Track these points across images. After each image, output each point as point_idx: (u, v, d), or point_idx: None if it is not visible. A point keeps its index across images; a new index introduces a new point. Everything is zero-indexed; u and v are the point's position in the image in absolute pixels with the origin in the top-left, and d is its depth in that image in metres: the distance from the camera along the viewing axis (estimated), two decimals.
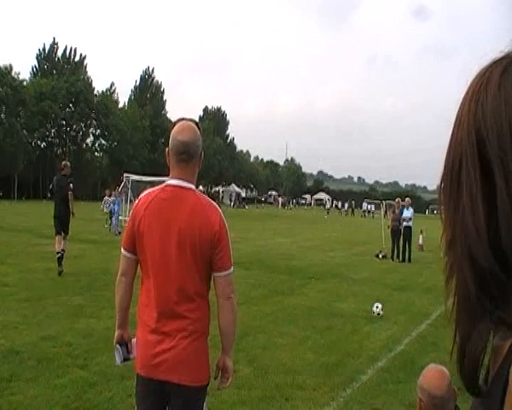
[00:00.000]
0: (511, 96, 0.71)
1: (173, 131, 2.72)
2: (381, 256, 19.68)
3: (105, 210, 26.09)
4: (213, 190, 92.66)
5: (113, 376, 5.83)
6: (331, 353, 7.22)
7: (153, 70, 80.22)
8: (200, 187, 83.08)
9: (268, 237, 26.27)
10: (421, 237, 23.80)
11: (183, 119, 2.79)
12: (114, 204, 26.19)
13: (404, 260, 19.21)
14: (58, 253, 12.18)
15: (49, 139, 62.86)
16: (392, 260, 19.29)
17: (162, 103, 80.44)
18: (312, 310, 9.86)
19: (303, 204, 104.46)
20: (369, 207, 67.05)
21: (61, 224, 12.70)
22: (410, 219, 19.50)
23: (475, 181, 0.74)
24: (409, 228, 19.33)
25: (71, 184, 12.87)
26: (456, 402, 2.82)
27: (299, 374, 6.25)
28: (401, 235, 19.44)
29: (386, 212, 26.10)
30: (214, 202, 2.79)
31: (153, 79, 79.89)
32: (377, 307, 9.58)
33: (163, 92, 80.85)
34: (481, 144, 0.74)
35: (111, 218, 25.16)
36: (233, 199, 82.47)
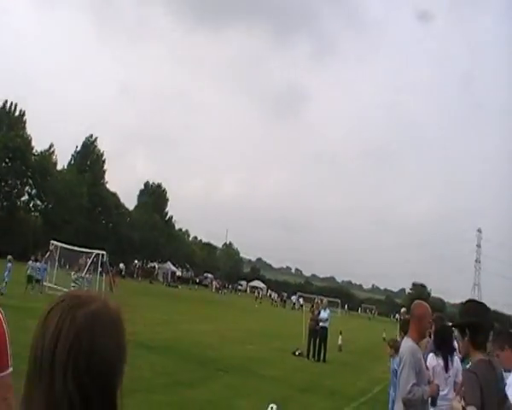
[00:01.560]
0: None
1: None
2: (297, 353, 19.85)
3: (28, 272, 25.19)
4: (149, 265, 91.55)
5: None
6: None
7: (95, 139, 79.98)
8: (136, 261, 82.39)
9: (192, 321, 26.10)
10: (340, 337, 24.14)
11: None
12: (40, 270, 25.72)
13: (319, 359, 19.42)
14: None
15: None
16: (308, 358, 19.48)
17: (102, 173, 79.87)
18: (207, 404, 9.89)
19: (239, 290, 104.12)
20: (300, 300, 67.44)
21: None
22: (327, 319, 19.90)
23: None
24: (325, 328, 19.67)
25: None
26: None
27: None
28: (318, 334, 19.75)
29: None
30: None
31: (95, 147, 79.52)
32: (272, 408, 9.65)
33: (104, 162, 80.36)
34: None
35: (29, 282, 24.44)
36: (166, 277, 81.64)
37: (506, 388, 5.04)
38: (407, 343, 5.28)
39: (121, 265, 65.31)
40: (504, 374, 5.36)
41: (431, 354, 6.79)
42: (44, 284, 26.85)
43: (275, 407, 9.71)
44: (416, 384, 4.99)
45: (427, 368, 6.09)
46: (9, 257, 24.22)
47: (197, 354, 15.95)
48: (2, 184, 61.97)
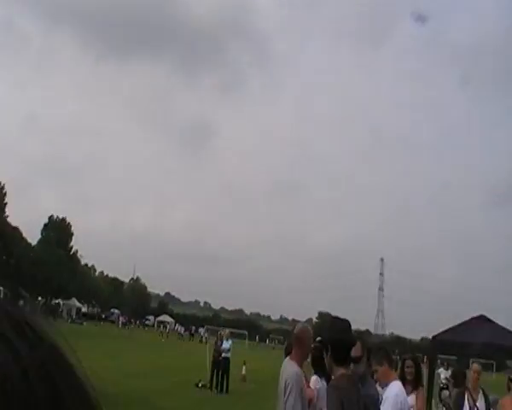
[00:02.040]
0: None
1: None
2: (200, 385, 20.08)
3: None
4: (53, 302, 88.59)
5: None
6: None
7: None
8: (39, 298, 79.50)
9: (94, 359, 25.60)
10: (244, 367, 24.57)
11: None
12: None
13: (222, 390, 19.74)
14: None
15: None
16: (211, 389, 19.75)
17: (2, 206, 77.05)
18: None
19: (146, 325, 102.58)
20: (206, 333, 67.46)
21: None
22: (229, 350, 20.29)
23: None
24: (226, 359, 20.04)
25: None
26: None
27: None
28: (220, 365, 20.10)
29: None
30: None
31: None
32: None
33: (5, 195, 77.73)
34: None
35: None
36: (71, 314, 79.32)
37: (382, 402, 5.57)
38: (292, 368, 5.23)
39: (20, 302, 63.02)
40: (381, 390, 5.92)
41: (314, 377, 6.70)
42: None
43: None
44: None
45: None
46: None
47: (98, 389, 15.84)
48: None
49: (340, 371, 4.16)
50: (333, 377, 4.46)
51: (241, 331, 72.80)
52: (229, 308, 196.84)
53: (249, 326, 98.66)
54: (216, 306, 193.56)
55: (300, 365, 5.43)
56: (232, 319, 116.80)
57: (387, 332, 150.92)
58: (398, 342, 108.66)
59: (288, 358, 5.58)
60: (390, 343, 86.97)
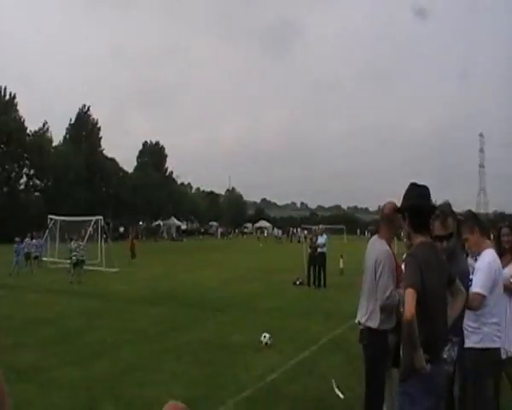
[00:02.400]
0: None
1: None
2: (298, 283, 20.17)
3: (25, 250, 25.50)
4: (153, 224, 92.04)
5: None
6: (201, 386, 7.49)
7: (88, 108, 79.51)
8: (140, 222, 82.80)
9: (193, 270, 26.44)
10: (341, 261, 24.47)
11: None
12: (36, 247, 26.06)
13: (319, 285, 19.75)
14: None
15: None
16: (309, 286, 19.81)
17: (98, 140, 79.60)
18: (203, 344, 10.13)
19: (245, 233, 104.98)
20: (305, 232, 67.87)
21: None
22: (324, 245, 20.09)
23: None
24: (322, 254, 19.90)
25: None
26: None
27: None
28: (316, 261, 20.02)
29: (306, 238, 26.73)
30: None
31: (89, 117, 79.16)
32: (264, 336, 9.92)
33: (99, 129, 80.00)
34: None
35: (27, 260, 24.76)
36: (171, 233, 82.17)
37: (474, 272, 5.11)
38: (382, 246, 5.16)
39: (121, 228, 65.82)
40: (473, 262, 5.39)
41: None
42: (44, 259, 27.23)
43: (267, 335, 9.99)
44: (394, 290, 4.96)
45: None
46: (17, 239, 24.84)
47: (195, 299, 16.28)
48: (0, 169, 61.98)
49: (418, 238, 3.87)
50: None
51: (338, 226, 72.81)
52: (326, 206, 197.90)
53: (347, 221, 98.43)
54: (313, 205, 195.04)
55: (389, 243, 5.25)
56: (329, 216, 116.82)
57: (491, 211, 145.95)
58: (504, 219, 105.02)
59: (376, 236, 5.42)
60: (494, 221, 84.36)
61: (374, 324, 5.10)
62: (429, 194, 3.99)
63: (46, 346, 9.80)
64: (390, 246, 5.23)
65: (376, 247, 5.23)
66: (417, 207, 3.89)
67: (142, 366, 8.55)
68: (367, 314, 5.18)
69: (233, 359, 9.06)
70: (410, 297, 3.45)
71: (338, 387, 7.23)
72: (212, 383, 7.64)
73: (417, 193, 3.96)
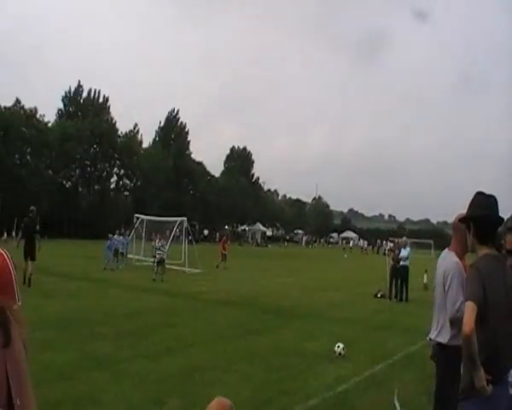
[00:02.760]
0: None
1: None
2: (379, 295, 19.78)
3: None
4: (240, 229, 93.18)
5: (50, 403, 6.18)
6: (269, 391, 7.45)
7: (177, 111, 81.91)
8: (226, 226, 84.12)
9: (274, 276, 26.51)
10: (425, 276, 23.75)
11: None
12: (123, 244, 27.00)
13: (401, 299, 19.27)
14: (25, 273, 16.28)
15: (74, 179, 64.37)
16: (390, 299, 19.37)
17: (186, 144, 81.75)
18: (277, 349, 10.09)
19: (330, 242, 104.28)
20: (389, 244, 66.64)
21: (29, 253, 16.80)
22: (407, 258, 19.58)
23: None
24: (405, 267, 19.41)
25: (37, 226, 17.70)
26: None
27: None
28: (399, 274, 19.56)
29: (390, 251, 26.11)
30: (1, 248, 3.11)
31: (177, 120, 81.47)
32: (338, 346, 9.76)
33: (187, 133, 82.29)
34: None
35: (114, 256, 25.68)
36: (255, 238, 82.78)
37: None
38: (452, 258, 4.93)
39: (205, 231, 67.04)
40: None
41: None
42: (130, 256, 28.12)
43: (341, 345, 9.82)
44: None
45: None
46: (110, 235, 25.97)
47: (274, 304, 16.27)
48: (92, 169, 64.91)
49: (483, 250, 3.67)
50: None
51: (426, 241, 70.95)
52: (415, 219, 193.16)
53: (436, 235, 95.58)
54: (401, 218, 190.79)
55: (460, 255, 4.95)
56: (418, 230, 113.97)
57: None
58: None
59: (446, 249, 5.16)
60: None
61: (444, 339, 4.89)
62: (497, 204, 3.77)
63: (122, 338, 10.08)
64: (461, 258, 4.96)
65: (446, 259, 5.02)
66: (483, 217, 3.71)
67: (212, 365, 8.62)
68: (437, 329, 4.97)
69: (305, 366, 8.96)
70: (469, 311, 3.27)
71: (398, 400, 7.01)
72: (281, 389, 7.58)
73: (484, 203, 3.77)
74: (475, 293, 3.38)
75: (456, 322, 4.77)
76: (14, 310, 3.03)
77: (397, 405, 6.95)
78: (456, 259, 4.91)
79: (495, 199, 3.77)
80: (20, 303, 3.11)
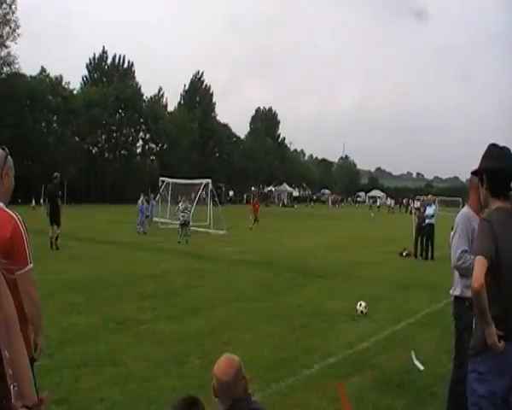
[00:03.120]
0: None
1: None
2: (404, 254, 19.64)
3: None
4: (266, 190, 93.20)
5: (71, 364, 6.38)
6: (290, 349, 7.48)
7: (202, 74, 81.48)
8: (252, 188, 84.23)
9: (300, 236, 26.53)
10: (451, 233, 23.46)
11: None
12: (148, 207, 27.25)
13: (426, 257, 19.13)
14: (51, 238, 17.53)
15: (100, 145, 64.85)
16: (416, 257, 19.25)
17: (211, 106, 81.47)
18: (299, 308, 10.12)
19: (357, 202, 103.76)
20: (417, 203, 65.98)
21: (54, 219, 17.73)
22: (433, 215, 19.35)
23: None
24: (431, 225, 19.20)
25: (60, 192, 18.75)
26: (247, 390, 3.11)
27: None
28: (424, 232, 19.37)
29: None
30: (14, 213, 3.15)
31: (202, 83, 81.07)
32: (360, 305, 9.73)
33: (212, 95, 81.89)
34: None
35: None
36: (282, 199, 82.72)
37: None
38: (463, 210, 4.92)
39: (230, 192, 67.19)
40: None
41: None
42: (155, 219, 28.36)
43: (363, 304, 9.79)
44: (467, 252, 4.61)
45: None
46: (141, 198, 26.20)
47: (298, 264, 16.30)
48: (118, 134, 65.26)
49: (496, 203, 3.56)
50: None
51: (455, 199, 70.07)
52: (444, 177, 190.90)
53: (465, 193, 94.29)
54: (429, 176, 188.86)
55: (477, 211, 4.82)
56: (446, 188, 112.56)
57: None
58: None
59: (465, 205, 5.08)
60: None
61: (457, 291, 4.85)
62: (510, 156, 3.63)
63: (146, 300, 10.21)
64: (478, 214, 4.79)
65: (459, 213, 5.00)
66: (494, 169, 3.57)
67: (234, 325, 8.68)
68: (454, 283, 4.93)
69: (326, 325, 8.97)
70: (479, 265, 3.17)
71: (418, 359, 6.98)
72: (301, 347, 7.60)
73: (497, 155, 3.62)
74: (486, 247, 3.28)
75: (460, 271, 4.72)
76: (25, 271, 3.09)
77: (417, 363, 6.93)
78: (464, 210, 4.90)
79: (509, 151, 3.62)
80: (31, 265, 3.16)
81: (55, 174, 18.82)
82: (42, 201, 39.78)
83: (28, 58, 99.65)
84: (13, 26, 50.94)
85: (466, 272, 4.66)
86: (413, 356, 7.08)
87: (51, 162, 49.51)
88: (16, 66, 52.18)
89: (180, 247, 19.97)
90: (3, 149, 3.17)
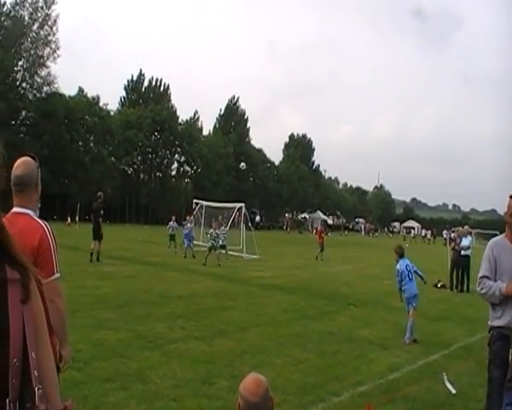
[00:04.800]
0: None
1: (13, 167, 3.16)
2: (439, 285, 19.26)
3: (169, 232, 27.11)
4: (300, 216, 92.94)
5: (100, 379, 6.39)
6: (319, 375, 7.36)
7: (237, 99, 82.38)
8: (286, 214, 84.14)
9: (332, 264, 26.29)
10: None
11: (23, 155, 3.22)
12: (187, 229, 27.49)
13: (461, 290, 18.72)
14: (92, 250, 18.87)
15: (135, 166, 65.72)
16: (451, 289, 18.86)
17: (246, 131, 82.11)
18: (330, 335, 9.98)
19: (392, 232, 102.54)
20: (452, 234, 64.88)
21: (96, 234, 18.97)
22: (468, 247, 18.95)
23: None
24: (466, 257, 18.79)
25: (101, 211, 19.75)
26: None
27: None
28: (460, 264, 18.99)
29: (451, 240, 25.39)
30: (43, 222, 3.18)
31: (237, 108, 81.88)
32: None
33: (247, 120, 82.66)
34: None
35: (171, 241, 26.20)
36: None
37: None
38: (494, 238, 4.90)
39: (257, 218, 67.09)
40: None
41: None
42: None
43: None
44: (488, 278, 4.62)
45: None
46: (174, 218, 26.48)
47: (330, 291, 16.13)
48: (154, 155, 66.10)
49: None
50: None
51: (493, 232, 68.88)
52: (481, 209, 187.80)
53: (503, 226, 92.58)
54: (466, 208, 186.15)
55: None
56: (483, 220, 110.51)
57: None
58: None
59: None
60: None
61: (490, 321, 4.75)
62: None
63: (176, 320, 10.20)
64: None
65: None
66: None
67: (264, 348, 8.59)
68: (489, 313, 4.84)
69: (357, 353, 8.82)
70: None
71: (450, 381, 6.78)
72: (331, 374, 7.47)
73: None
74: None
75: (486, 298, 4.68)
76: (51, 281, 3.11)
77: (448, 385, 6.75)
78: (496, 238, 4.90)
79: None
80: (58, 275, 3.18)
81: (99, 194, 19.87)
82: (77, 218, 40.42)
83: (67, 78, 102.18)
84: (53, 46, 52.54)
85: (486, 298, 4.60)
86: (445, 378, 6.90)
87: (87, 181, 50.39)
88: (56, 85, 53.58)
89: (212, 269, 19.93)
90: (34, 158, 3.22)
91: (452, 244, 20.46)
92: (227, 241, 23.93)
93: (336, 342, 9.39)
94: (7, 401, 1.52)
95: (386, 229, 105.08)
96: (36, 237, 3.08)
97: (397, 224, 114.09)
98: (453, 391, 6.63)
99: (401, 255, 10.89)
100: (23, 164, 3.21)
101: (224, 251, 23.02)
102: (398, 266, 10.74)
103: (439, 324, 12.24)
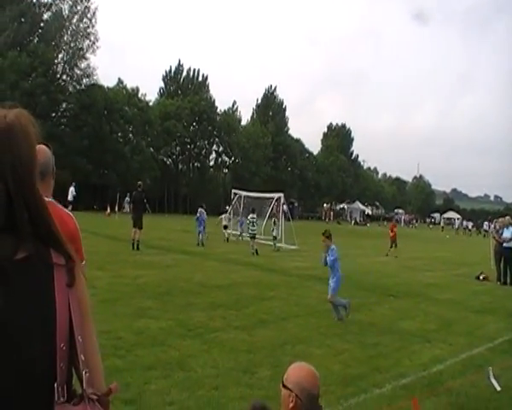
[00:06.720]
0: None
1: None
2: (481, 278, 18.90)
3: (224, 223, 27.68)
4: (338, 207, 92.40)
5: (142, 366, 6.46)
6: (361, 366, 7.30)
7: (275, 88, 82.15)
8: (324, 205, 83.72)
9: (372, 255, 26.07)
10: None
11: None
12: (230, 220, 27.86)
13: (505, 282, 18.31)
14: (133, 239, 19.21)
15: (174, 157, 66.25)
16: (496, 282, 18.44)
17: (284, 121, 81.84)
18: (370, 326, 9.90)
19: (432, 223, 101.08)
20: (492, 225, 63.51)
21: (137, 223, 19.46)
22: (511, 239, 18.48)
23: None
24: (509, 249, 18.34)
25: (145, 199, 20.61)
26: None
27: None
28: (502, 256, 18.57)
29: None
30: (67, 211, 3.21)
31: (275, 97, 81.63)
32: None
33: (285, 110, 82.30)
34: None
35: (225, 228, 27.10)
36: (354, 217, 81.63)
37: None
38: None
39: (284, 207, 67.07)
40: None
41: None
42: (228, 231, 28.59)
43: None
44: None
45: None
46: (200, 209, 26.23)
47: (370, 282, 15.97)
48: (192, 146, 66.48)
49: None
50: None
51: None
52: None
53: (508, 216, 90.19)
54: (508, 199, 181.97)
55: None
56: None
57: None
58: None
59: None
60: None
61: None
62: None
63: (216, 309, 10.25)
64: None
65: None
66: None
67: (304, 339, 8.57)
68: None
69: (398, 345, 8.72)
70: None
71: (495, 376, 6.63)
72: (372, 365, 7.41)
73: None
74: None
75: None
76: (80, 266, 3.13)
77: (493, 381, 6.60)
78: None
79: None
80: (84, 262, 3.20)
81: (139, 183, 20.88)
82: (116, 208, 40.96)
83: (106, 70, 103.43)
84: (92, 38, 53.01)
85: None
86: (490, 373, 6.74)
87: (126, 171, 50.95)
88: (95, 77, 54.04)
89: (251, 259, 20.00)
90: (48, 147, 3.22)
91: (494, 235, 20.00)
92: (263, 231, 24.07)
93: (377, 334, 9.31)
94: (55, 384, 1.53)
95: (428, 220, 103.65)
96: (68, 225, 3.11)
97: (437, 215, 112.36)
98: (498, 388, 6.48)
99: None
100: (41, 152, 3.23)
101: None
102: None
103: (483, 316, 11.98)
